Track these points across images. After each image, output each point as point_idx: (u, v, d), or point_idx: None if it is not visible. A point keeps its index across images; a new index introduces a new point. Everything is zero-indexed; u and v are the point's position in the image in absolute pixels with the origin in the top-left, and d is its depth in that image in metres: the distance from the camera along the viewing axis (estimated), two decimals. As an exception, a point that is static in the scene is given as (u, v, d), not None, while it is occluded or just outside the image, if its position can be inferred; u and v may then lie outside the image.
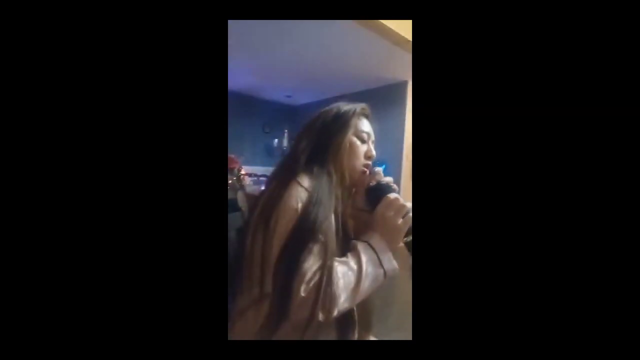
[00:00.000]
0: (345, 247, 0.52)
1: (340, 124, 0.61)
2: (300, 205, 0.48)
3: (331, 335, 0.51)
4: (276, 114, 4.91)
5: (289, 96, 4.85)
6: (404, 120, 3.94)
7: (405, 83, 3.93)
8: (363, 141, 0.64)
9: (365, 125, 0.65)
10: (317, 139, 0.61)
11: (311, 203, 0.49)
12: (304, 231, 0.46)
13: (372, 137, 0.67)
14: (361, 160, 0.62)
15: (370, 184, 0.59)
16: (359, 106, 0.66)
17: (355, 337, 0.57)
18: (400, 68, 3.58)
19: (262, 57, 3.65)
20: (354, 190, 0.63)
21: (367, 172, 0.62)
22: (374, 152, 0.65)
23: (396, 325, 1.95)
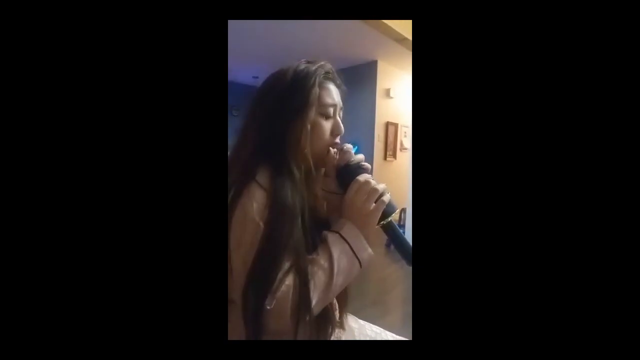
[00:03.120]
0: (316, 235, 0.48)
1: (298, 100, 0.49)
2: (259, 214, 0.43)
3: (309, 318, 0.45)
4: (244, 96, 4.76)
5: (255, 77, 4.71)
6: (374, 100, 3.97)
7: (375, 63, 3.93)
8: (328, 117, 0.52)
9: (331, 95, 0.52)
10: (270, 121, 0.49)
11: (273, 210, 0.43)
12: (269, 245, 0.42)
13: (340, 105, 0.54)
14: (326, 141, 0.52)
15: (340, 164, 0.51)
16: (321, 69, 0.52)
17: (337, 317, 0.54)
18: (370, 47, 3.58)
19: (228, 38, 3.44)
20: (322, 170, 0.54)
21: (335, 151, 0.52)
22: (342, 128, 0.53)
23: (372, 300, 2.04)
